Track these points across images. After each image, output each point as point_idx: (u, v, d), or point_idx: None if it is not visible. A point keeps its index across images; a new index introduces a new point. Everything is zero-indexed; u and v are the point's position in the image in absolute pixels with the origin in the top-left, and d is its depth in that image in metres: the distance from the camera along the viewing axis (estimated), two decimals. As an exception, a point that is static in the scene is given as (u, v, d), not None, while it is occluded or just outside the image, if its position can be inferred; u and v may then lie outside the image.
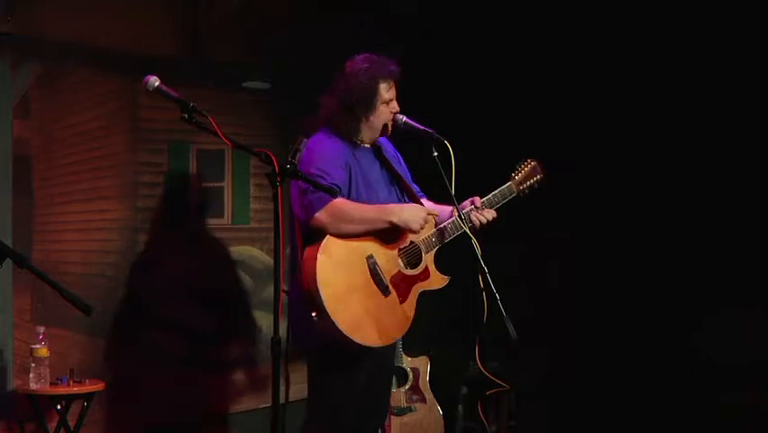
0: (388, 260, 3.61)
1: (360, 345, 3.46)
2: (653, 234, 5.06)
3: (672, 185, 5.00)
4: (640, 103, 5.06)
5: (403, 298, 3.62)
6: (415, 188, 3.90)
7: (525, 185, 3.97)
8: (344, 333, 3.43)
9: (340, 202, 3.51)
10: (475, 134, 4.98)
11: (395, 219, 3.58)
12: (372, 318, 3.51)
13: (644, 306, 5.06)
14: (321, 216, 3.48)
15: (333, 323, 3.41)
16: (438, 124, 3.72)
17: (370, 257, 3.56)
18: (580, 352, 5.25)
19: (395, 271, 3.62)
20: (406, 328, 3.65)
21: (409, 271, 3.66)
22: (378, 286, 3.56)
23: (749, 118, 4.78)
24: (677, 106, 4.95)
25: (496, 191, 3.89)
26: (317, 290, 3.41)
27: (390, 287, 3.58)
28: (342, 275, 3.49)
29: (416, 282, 3.67)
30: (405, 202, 3.78)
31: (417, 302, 3.67)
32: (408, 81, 3.79)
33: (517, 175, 3.97)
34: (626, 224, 5.12)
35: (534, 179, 4.00)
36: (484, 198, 3.85)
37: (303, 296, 3.48)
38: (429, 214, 3.69)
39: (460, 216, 3.67)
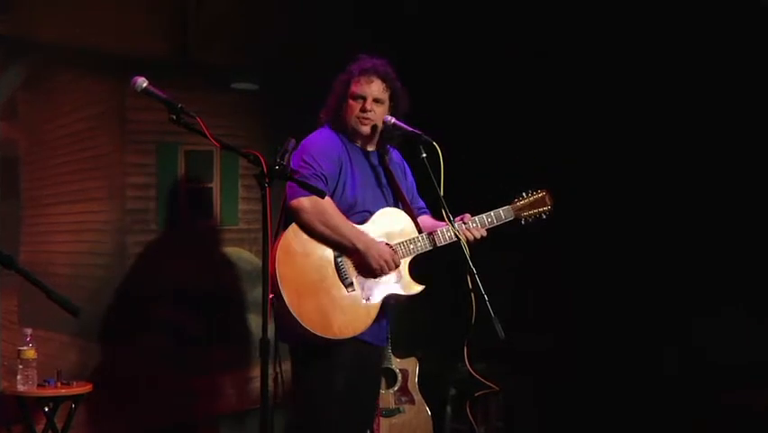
0: (354, 257, 3.60)
1: (314, 334, 3.46)
2: (653, 235, 5.08)
3: (674, 185, 5.02)
4: (639, 105, 5.09)
5: (367, 297, 3.61)
6: (421, 203, 3.91)
7: (528, 212, 3.90)
8: (298, 320, 3.43)
9: (328, 202, 3.53)
10: (468, 137, 5.00)
11: (360, 247, 3.57)
12: (331, 310, 3.51)
13: (643, 305, 5.08)
14: (305, 201, 3.51)
15: (288, 308, 3.42)
16: (433, 126, 3.72)
17: (336, 251, 3.58)
18: (576, 351, 5.26)
19: (361, 268, 3.62)
20: (367, 325, 3.61)
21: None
22: (341, 280, 3.56)
23: (748, 117, 4.82)
24: (678, 106, 4.98)
25: (491, 212, 3.84)
26: (275, 274, 3.43)
27: (356, 283, 3.59)
28: (303, 262, 3.51)
29: (385, 283, 3.66)
30: (396, 208, 3.79)
31: (384, 304, 3.65)
32: (403, 82, 3.79)
33: (520, 201, 3.90)
34: (626, 224, 5.14)
35: (541, 209, 3.92)
36: (476, 217, 3.81)
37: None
38: (394, 260, 3.64)
39: (450, 220, 3.65)
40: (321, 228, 3.54)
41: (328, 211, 3.54)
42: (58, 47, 4.35)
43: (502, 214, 3.86)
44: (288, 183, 3.50)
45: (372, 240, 3.62)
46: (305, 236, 3.54)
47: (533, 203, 3.92)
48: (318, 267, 3.54)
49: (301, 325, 3.45)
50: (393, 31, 5.27)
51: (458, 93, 5.38)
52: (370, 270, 3.60)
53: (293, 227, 3.55)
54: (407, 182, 3.91)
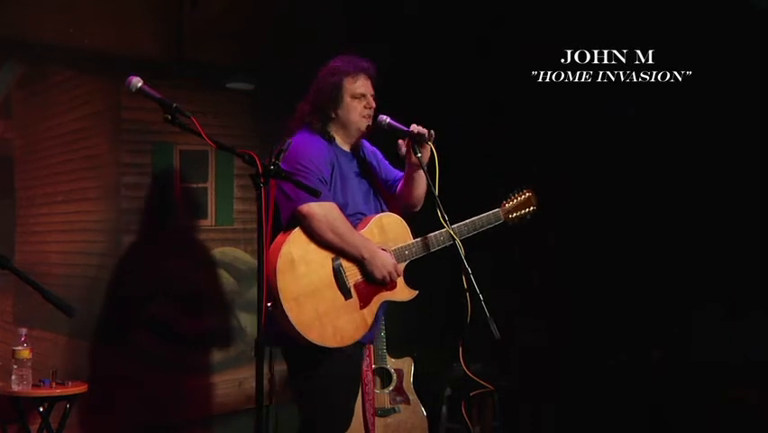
0: (355, 265, 3.58)
1: (312, 343, 3.43)
2: (653, 234, 5.09)
3: (677, 185, 5.03)
4: (629, 105, 5.09)
5: (364, 303, 3.58)
6: (398, 174, 3.85)
7: (515, 214, 3.92)
8: (296, 329, 3.40)
9: (336, 208, 3.52)
10: (463, 138, 5.01)
11: (366, 256, 3.54)
12: (328, 319, 3.47)
13: (642, 305, 5.09)
14: (316, 207, 3.46)
15: (287, 317, 3.39)
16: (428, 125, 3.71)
17: (335, 258, 3.54)
18: (573, 351, 5.27)
19: (360, 277, 3.58)
20: (363, 333, 3.60)
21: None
22: (339, 288, 3.53)
23: (741, 119, 4.83)
24: (665, 106, 4.98)
25: (482, 215, 3.84)
26: (275, 282, 3.39)
27: (353, 291, 3.55)
28: (303, 270, 3.46)
29: (381, 291, 3.63)
30: (381, 209, 3.77)
31: (379, 310, 3.63)
32: (397, 83, 3.79)
33: (508, 203, 3.92)
34: (626, 223, 5.15)
35: (527, 210, 3.95)
36: (468, 220, 3.80)
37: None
38: (396, 270, 3.62)
39: (446, 221, 3.63)
40: (330, 236, 3.50)
41: (337, 217, 3.51)
42: (53, 46, 4.34)
43: (492, 217, 3.87)
44: (286, 186, 3.47)
45: (376, 249, 3.58)
46: (305, 243, 3.49)
47: (520, 204, 3.94)
48: (318, 275, 3.49)
49: (301, 335, 3.41)
50: (391, 31, 5.28)
51: (456, 92, 5.39)
52: (372, 279, 3.58)
53: (295, 235, 3.48)
54: (383, 167, 3.87)
